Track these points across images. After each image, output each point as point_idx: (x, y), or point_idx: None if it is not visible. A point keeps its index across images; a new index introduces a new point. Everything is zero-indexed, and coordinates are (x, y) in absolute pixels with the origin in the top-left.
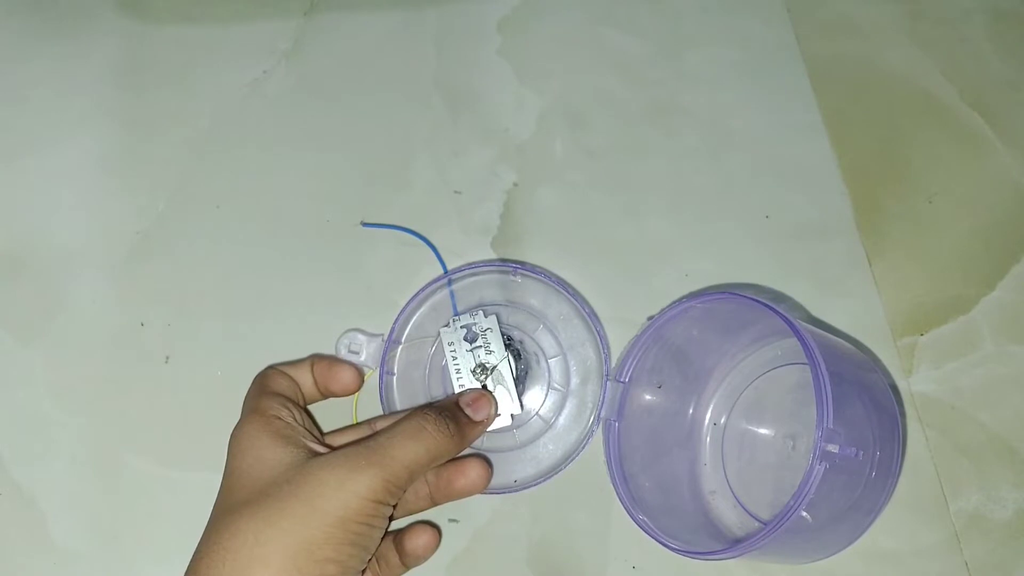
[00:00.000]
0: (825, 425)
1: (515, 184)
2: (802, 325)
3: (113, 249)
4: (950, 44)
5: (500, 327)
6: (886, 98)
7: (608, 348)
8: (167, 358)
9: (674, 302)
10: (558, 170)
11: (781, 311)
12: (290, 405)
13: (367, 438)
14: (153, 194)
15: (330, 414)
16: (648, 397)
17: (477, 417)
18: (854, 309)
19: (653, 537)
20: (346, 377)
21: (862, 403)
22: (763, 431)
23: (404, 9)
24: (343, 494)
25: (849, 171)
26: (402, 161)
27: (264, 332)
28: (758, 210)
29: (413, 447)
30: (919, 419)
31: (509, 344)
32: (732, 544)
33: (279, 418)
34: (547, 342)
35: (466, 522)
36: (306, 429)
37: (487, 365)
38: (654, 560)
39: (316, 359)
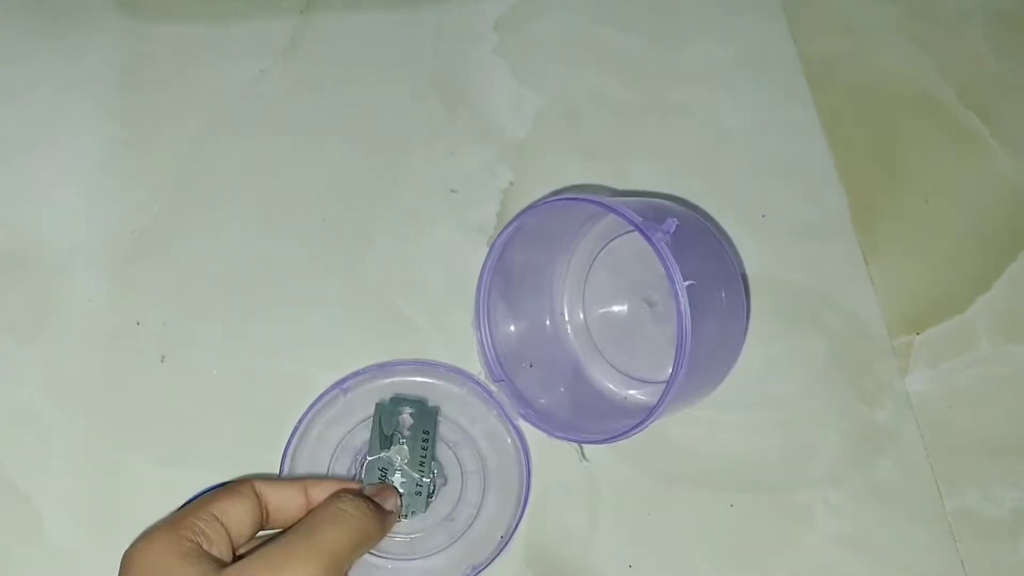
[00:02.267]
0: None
1: (512, 183)
2: (610, 200)
3: (110, 248)
4: (947, 44)
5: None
6: (883, 98)
7: (530, 467)
8: (163, 357)
9: (490, 247)
10: (555, 169)
11: (590, 198)
12: (225, 533)
13: (282, 535)
14: (150, 193)
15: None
16: (512, 328)
17: (386, 506)
18: (850, 308)
19: (584, 442)
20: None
21: (697, 252)
22: (617, 308)
23: (401, 8)
24: None
25: (846, 170)
26: (399, 160)
27: (261, 331)
28: (754, 209)
29: (336, 532)
30: (915, 418)
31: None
32: (648, 414)
33: (193, 541)
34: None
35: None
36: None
37: (391, 465)
38: (652, 560)
39: (311, 483)
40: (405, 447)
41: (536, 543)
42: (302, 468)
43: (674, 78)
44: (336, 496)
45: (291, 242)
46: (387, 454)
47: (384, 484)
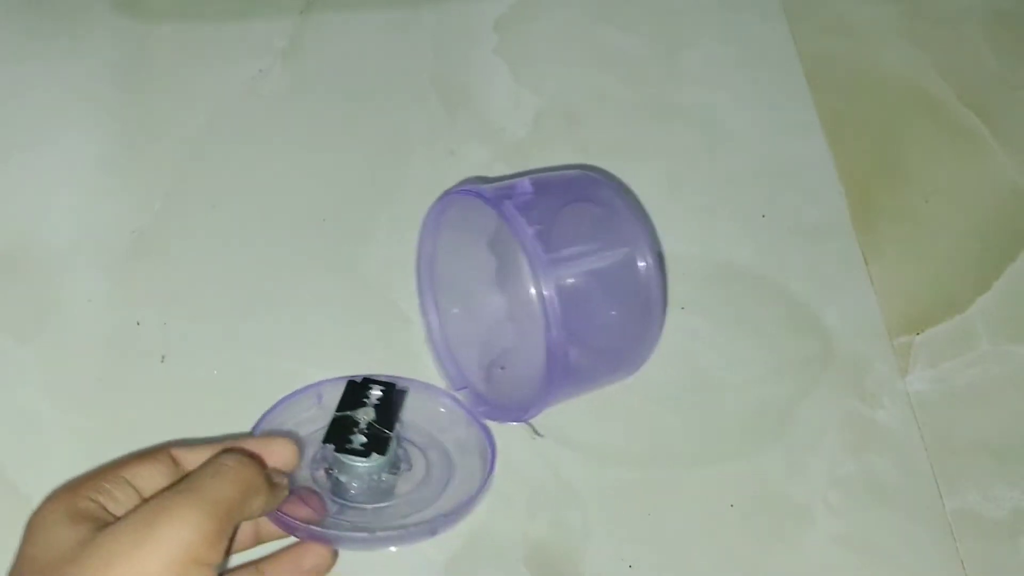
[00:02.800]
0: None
1: None
2: (474, 187)
3: (109, 248)
4: (947, 44)
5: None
6: (883, 97)
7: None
8: (163, 357)
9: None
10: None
11: (475, 190)
12: (136, 495)
13: (162, 491)
14: (149, 193)
15: None
16: (500, 297)
17: (270, 461)
18: (850, 308)
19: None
20: (286, 453)
21: (588, 225)
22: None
23: (401, 8)
24: (141, 559)
25: (845, 170)
26: (399, 160)
27: (261, 331)
28: (754, 209)
29: (216, 482)
30: (915, 418)
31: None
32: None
33: (94, 501)
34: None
35: (463, 521)
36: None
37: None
38: (652, 560)
39: (234, 443)
40: (372, 410)
41: (535, 543)
42: None
43: (674, 78)
44: (217, 453)
45: (291, 242)
46: (353, 413)
47: (274, 433)
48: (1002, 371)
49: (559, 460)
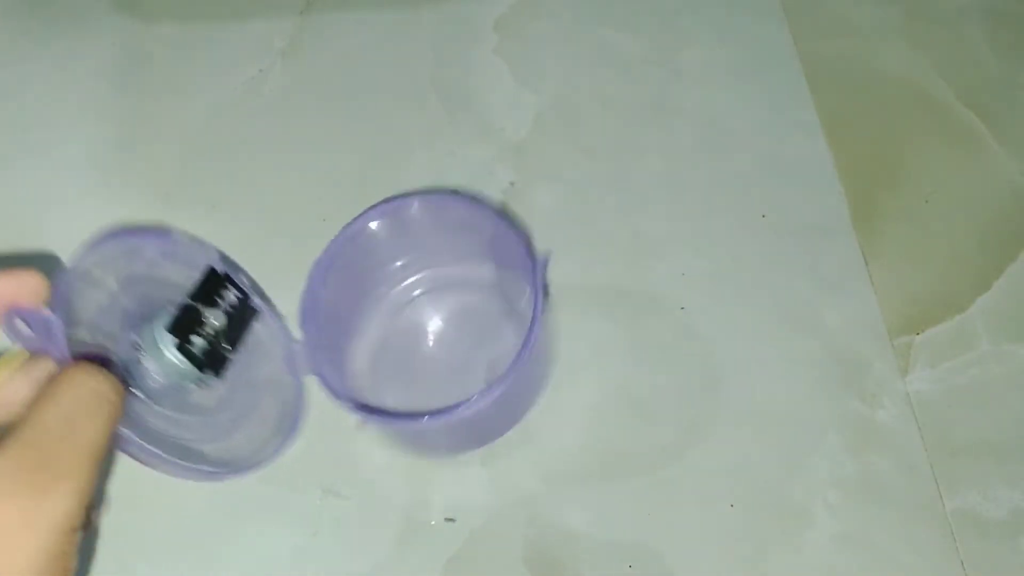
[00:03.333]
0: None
1: (512, 183)
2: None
3: None
4: (946, 43)
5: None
6: (882, 97)
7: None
8: None
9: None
10: (555, 169)
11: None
12: None
13: (32, 424)
14: (149, 193)
15: None
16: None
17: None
18: (850, 308)
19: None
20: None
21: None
22: (434, 327)
23: (401, 8)
24: (31, 532)
25: (845, 171)
26: (398, 160)
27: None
28: (755, 209)
29: (99, 425)
30: (915, 418)
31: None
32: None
33: None
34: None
35: (463, 521)
36: None
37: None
38: (652, 560)
39: None
40: (224, 317)
41: (535, 543)
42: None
43: (674, 78)
44: (91, 375)
45: (291, 242)
46: (205, 309)
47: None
48: (1002, 371)
49: (559, 460)
